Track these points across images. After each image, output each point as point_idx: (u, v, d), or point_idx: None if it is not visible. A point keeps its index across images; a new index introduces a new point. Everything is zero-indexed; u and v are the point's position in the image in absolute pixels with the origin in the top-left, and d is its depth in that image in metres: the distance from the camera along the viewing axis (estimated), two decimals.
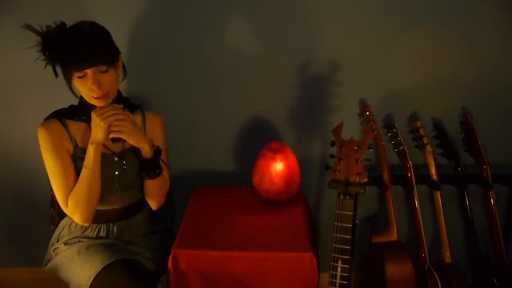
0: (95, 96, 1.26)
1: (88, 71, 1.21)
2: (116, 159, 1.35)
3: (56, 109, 1.37)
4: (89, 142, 1.26)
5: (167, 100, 1.77)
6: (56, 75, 1.25)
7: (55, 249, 1.42)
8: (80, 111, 1.33)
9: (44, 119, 1.34)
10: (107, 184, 1.33)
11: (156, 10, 1.65)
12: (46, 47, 1.22)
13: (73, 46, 1.20)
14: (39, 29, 1.22)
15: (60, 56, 1.21)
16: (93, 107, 1.29)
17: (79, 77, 1.22)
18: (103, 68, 1.23)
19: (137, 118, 1.44)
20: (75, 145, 1.32)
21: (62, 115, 1.34)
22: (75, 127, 1.34)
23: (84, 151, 1.31)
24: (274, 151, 1.50)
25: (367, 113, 1.66)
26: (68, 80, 1.24)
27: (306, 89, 1.74)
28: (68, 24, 1.24)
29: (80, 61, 1.20)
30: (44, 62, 1.25)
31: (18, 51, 1.69)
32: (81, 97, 1.32)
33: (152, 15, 1.66)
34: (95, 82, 1.22)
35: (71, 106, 1.37)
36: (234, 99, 1.76)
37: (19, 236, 1.99)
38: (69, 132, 1.32)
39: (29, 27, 1.21)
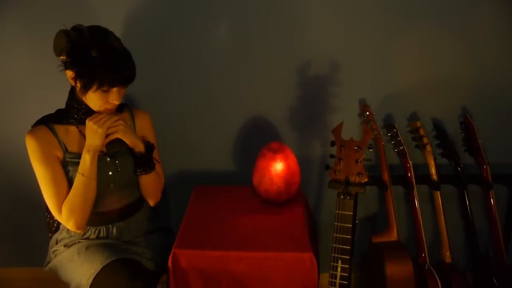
0: (109, 108, 1.27)
1: (115, 88, 1.22)
2: (109, 159, 1.35)
3: (49, 111, 1.36)
4: (85, 149, 1.26)
5: (166, 100, 1.77)
6: (84, 87, 1.23)
7: (54, 251, 1.42)
8: (69, 115, 1.32)
9: (32, 126, 1.32)
10: (102, 185, 1.32)
11: (155, 9, 1.65)
12: (75, 56, 1.20)
13: (115, 63, 1.20)
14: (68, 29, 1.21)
15: (99, 71, 1.18)
16: (82, 109, 1.29)
17: (103, 91, 1.22)
18: (126, 85, 1.26)
19: (126, 116, 1.44)
20: (65, 150, 1.31)
21: (49, 121, 1.33)
22: (64, 131, 1.32)
23: (74, 155, 1.31)
24: (274, 151, 1.50)
25: (367, 113, 1.66)
26: (86, 90, 1.22)
27: (306, 89, 1.74)
28: (66, 21, 1.24)
29: (121, 79, 1.22)
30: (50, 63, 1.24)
31: (17, 50, 1.70)
32: (70, 100, 1.31)
33: (150, 14, 1.66)
34: (118, 98, 1.25)
35: (59, 110, 1.36)
36: (234, 99, 1.76)
37: (19, 236, 1.99)
38: (58, 138, 1.31)
39: (66, 29, 1.20)
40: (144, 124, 1.47)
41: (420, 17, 1.65)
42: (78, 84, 1.22)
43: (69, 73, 1.23)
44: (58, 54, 1.22)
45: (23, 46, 1.69)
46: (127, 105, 1.47)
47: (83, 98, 1.26)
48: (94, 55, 1.18)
